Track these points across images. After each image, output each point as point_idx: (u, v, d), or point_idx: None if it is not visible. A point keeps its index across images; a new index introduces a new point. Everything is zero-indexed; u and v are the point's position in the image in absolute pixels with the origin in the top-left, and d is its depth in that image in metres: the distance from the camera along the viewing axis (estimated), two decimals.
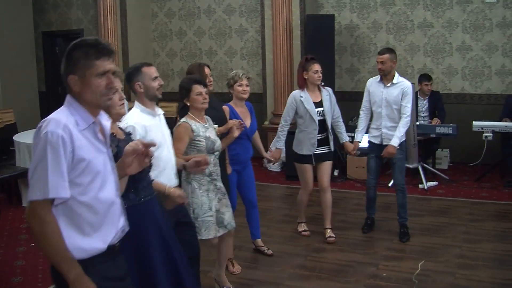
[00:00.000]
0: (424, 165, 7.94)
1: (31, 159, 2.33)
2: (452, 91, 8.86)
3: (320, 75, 5.58)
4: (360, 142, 5.96)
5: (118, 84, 2.88)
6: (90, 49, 2.35)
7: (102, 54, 2.37)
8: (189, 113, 4.22)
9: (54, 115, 2.35)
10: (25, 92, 10.99)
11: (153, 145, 2.52)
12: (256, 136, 5.34)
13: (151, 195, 3.18)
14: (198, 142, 4.13)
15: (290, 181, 7.97)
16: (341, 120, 5.87)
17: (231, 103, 5.08)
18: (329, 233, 5.75)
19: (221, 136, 4.50)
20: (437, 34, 8.84)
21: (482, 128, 7.60)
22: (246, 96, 5.06)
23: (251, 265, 5.18)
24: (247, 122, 5.03)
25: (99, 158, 2.38)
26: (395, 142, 5.56)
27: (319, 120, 5.58)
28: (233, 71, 5.17)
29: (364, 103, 5.95)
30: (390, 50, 5.72)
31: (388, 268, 5.00)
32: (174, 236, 3.30)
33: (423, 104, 8.24)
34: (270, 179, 8.39)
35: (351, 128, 8.71)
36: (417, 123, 7.86)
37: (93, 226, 2.37)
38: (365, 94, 5.95)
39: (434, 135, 7.92)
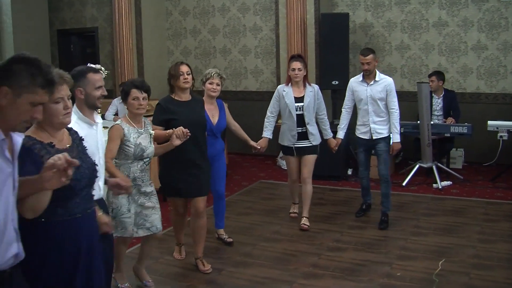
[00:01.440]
0: (439, 164, 7.91)
1: None
2: (467, 90, 8.81)
3: (298, 72, 5.91)
4: (341, 138, 6.28)
5: (66, 91, 2.74)
6: (38, 74, 2.21)
7: (48, 85, 2.25)
8: (126, 115, 4.31)
9: None
10: None
11: (76, 164, 2.27)
12: (238, 128, 5.66)
13: (86, 210, 2.83)
14: (127, 147, 4.21)
15: None
16: (326, 117, 6.17)
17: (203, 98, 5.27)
18: (303, 220, 6.09)
19: (166, 141, 4.46)
20: (452, 33, 8.79)
21: (497, 128, 7.56)
22: (214, 94, 5.31)
23: (265, 263, 5.19)
24: (214, 119, 5.30)
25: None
26: (397, 138, 6.02)
27: (297, 115, 5.95)
28: (208, 70, 5.40)
29: (346, 102, 6.27)
30: (372, 51, 6.11)
31: (402, 267, 4.98)
32: (101, 254, 3.00)
33: (438, 103, 8.20)
34: (284, 178, 8.39)
35: None
36: (432, 122, 7.83)
37: None
38: (348, 93, 6.26)
39: (448, 135, 7.89)
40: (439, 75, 8.15)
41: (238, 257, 5.33)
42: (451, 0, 8.75)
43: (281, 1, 9.26)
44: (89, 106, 3.55)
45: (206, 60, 10.69)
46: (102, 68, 7.96)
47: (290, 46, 8.91)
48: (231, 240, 5.66)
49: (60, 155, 2.24)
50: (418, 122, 7.84)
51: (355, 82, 6.20)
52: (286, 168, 8.76)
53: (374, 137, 6.04)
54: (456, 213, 6.53)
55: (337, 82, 8.47)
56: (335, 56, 8.47)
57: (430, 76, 8.20)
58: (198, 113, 4.88)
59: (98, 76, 3.57)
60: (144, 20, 10.44)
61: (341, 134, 6.27)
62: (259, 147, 5.75)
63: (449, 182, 7.70)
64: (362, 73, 6.13)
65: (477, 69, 8.73)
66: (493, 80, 8.66)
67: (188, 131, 4.32)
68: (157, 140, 4.51)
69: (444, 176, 7.88)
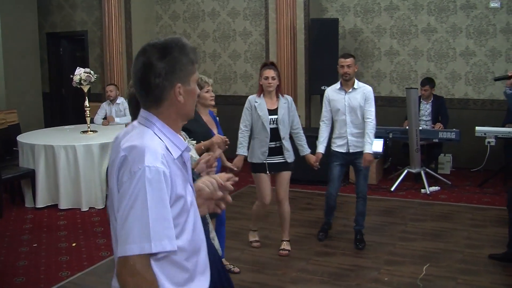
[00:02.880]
0: (427, 170, 7.95)
1: (120, 200, 1.82)
2: (456, 96, 8.86)
3: (272, 81, 5.27)
4: (322, 153, 5.69)
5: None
6: (190, 51, 2.00)
7: (196, 57, 2.06)
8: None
9: (145, 142, 1.85)
10: (29, 93, 11.02)
11: (230, 189, 2.11)
12: None
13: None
14: None
15: (294, 184, 7.95)
16: (302, 131, 5.57)
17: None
18: (283, 245, 5.58)
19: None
20: (441, 39, 8.85)
21: (485, 134, 7.60)
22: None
23: (254, 268, 5.18)
24: (215, 131, 4.77)
25: (189, 191, 1.96)
26: (369, 149, 5.49)
27: (271, 128, 5.31)
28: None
29: (324, 114, 5.80)
30: (352, 55, 5.75)
31: (390, 272, 5.00)
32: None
33: (426, 108, 8.25)
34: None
35: None
36: (420, 127, 7.87)
37: (187, 276, 1.94)
38: (325, 104, 5.82)
39: (437, 140, 7.93)
40: (431, 83, 8.20)
41: (226, 262, 5.32)
42: (440, 7, 8.81)
43: (271, 6, 9.29)
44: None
45: (196, 65, 10.66)
46: (92, 72, 7.93)
47: (280, 51, 8.93)
48: (238, 270, 5.10)
49: (211, 179, 2.06)
50: (407, 127, 7.87)
51: (332, 91, 5.78)
52: None
53: (351, 151, 5.62)
54: (443, 218, 6.56)
55: (326, 87, 8.45)
56: (324, 61, 8.48)
57: (423, 85, 8.19)
58: (205, 126, 4.62)
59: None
60: (134, 24, 10.43)
61: (321, 148, 5.69)
62: (235, 168, 5.28)
63: (437, 188, 7.74)
64: (339, 81, 5.75)
65: (465, 75, 8.79)
66: (481, 86, 8.72)
67: (227, 139, 4.31)
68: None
69: (432, 181, 7.91)
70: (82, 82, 7.74)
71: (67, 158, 7.13)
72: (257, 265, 5.25)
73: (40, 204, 7.19)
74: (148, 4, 10.86)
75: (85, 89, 7.86)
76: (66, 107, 12.09)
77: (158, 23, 10.98)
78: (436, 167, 8.41)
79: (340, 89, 5.72)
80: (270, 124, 5.31)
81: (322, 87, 8.52)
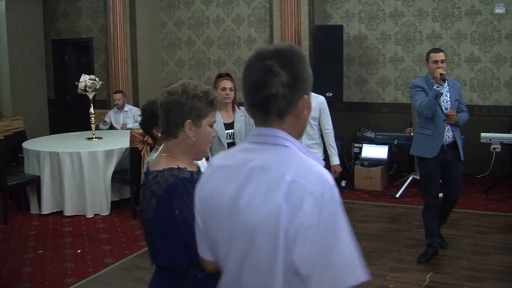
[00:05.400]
0: None
1: (308, 232, 1.50)
2: None
3: (229, 92, 5.04)
4: None
5: None
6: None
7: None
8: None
9: (308, 161, 1.63)
10: (35, 100, 11.07)
11: None
12: None
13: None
14: None
15: None
16: None
17: None
18: None
19: None
20: (446, 46, 8.83)
21: (490, 140, 7.58)
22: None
23: None
24: None
25: None
26: (336, 160, 5.50)
27: (228, 143, 4.99)
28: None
29: None
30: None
31: (396, 279, 4.98)
32: None
33: None
34: None
35: (358, 139, 8.75)
36: None
37: None
38: None
39: None
40: None
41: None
42: (444, 13, 8.81)
43: (275, 13, 9.30)
44: None
45: (201, 71, 10.71)
46: (97, 79, 7.94)
47: None
48: None
49: None
50: (412, 134, 7.85)
51: None
52: None
53: None
54: (449, 225, 6.52)
55: (331, 94, 8.49)
56: (329, 68, 8.48)
57: None
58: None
59: None
60: (139, 31, 10.47)
61: None
62: None
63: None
64: None
65: (470, 81, 8.78)
66: (486, 93, 8.70)
67: None
68: None
69: None
70: (87, 89, 7.75)
71: (72, 165, 7.14)
72: None
73: (45, 210, 7.20)
74: (153, 11, 10.89)
75: (90, 96, 7.88)
76: (71, 114, 12.13)
77: (163, 30, 11.01)
78: None
79: None
80: (226, 138, 5.02)
81: (327, 94, 8.54)
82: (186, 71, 10.78)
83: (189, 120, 2.24)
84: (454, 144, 5.33)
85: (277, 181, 1.54)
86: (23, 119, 9.46)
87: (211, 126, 2.31)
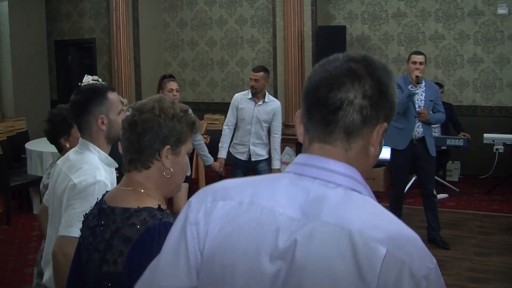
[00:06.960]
0: (435, 177, 7.91)
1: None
2: (463, 103, 8.84)
3: (176, 93, 5.18)
4: (224, 158, 5.85)
5: None
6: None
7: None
8: None
9: (397, 223, 1.15)
10: (37, 100, 11.07)
11: None
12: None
13: None
14: None
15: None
16: (202, 142, 5.72)
17: None
18: None
19: None
20: (449, 46, 8.84)
21: (493, 141, 7.56)
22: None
23: None
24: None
25: None
26: (278, 164, 5.78)
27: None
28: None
29: (230, 119, 5.86)
30: (265, 69, 5.79)
31: None
32: None
33: None
34: None
35: None
36: None
37: None
38: (232, 109, 5.85)
39: (445, 147, 7.89)
40: (440, 88, 8.17)
41: None
42: (447, 14, 8.80)
43: (278, 13, 9.30)
44: (110, 140, 2.56)
45: (204, 72, 10.71)
46: (100, 79, 7.98)
47: (287, 59, 8.93)
48: None
49: None
50: None
51: (242, 98, 5.81)
52: None
53: (252, 159, 5.77)
54: (451, 225, 6.53)
55: None
56: None
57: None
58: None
59: (116, 96, 2.62)
60: (142, 31, 10.48)
61: (223, 154, 5.85)
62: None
63: (445, 195, 7.70)
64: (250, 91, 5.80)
65: (473, 82, 8.77)
66: (489, 93, 8.69)
67: None
68: None
69: (440, 188, 7.87)
70: None
71: None
72: None
73: None
74: (156, 11, 10.90)
75: None
76: None
77: (166, 31, 11.02)
78: (444, 174, 8.38)
79: (251, 99, 5.77)
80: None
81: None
82: (189, 71, 10.79)
83: (168, 146, 1.80)
84: (423, 139, 5.64)
85: (367, 254, 1.06)
86: (26, 119, 9.48)
87: (188, 154, 1.91)
